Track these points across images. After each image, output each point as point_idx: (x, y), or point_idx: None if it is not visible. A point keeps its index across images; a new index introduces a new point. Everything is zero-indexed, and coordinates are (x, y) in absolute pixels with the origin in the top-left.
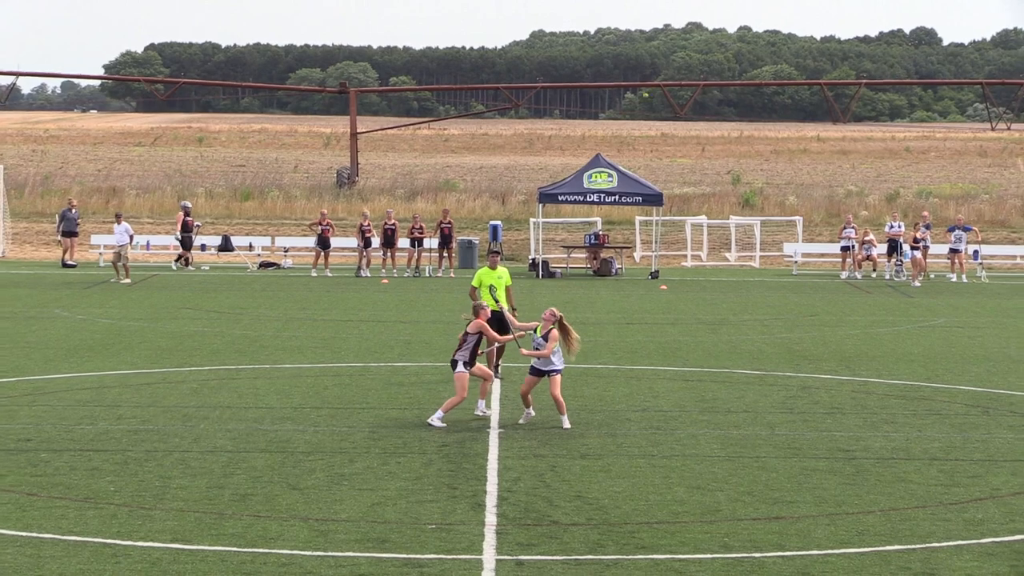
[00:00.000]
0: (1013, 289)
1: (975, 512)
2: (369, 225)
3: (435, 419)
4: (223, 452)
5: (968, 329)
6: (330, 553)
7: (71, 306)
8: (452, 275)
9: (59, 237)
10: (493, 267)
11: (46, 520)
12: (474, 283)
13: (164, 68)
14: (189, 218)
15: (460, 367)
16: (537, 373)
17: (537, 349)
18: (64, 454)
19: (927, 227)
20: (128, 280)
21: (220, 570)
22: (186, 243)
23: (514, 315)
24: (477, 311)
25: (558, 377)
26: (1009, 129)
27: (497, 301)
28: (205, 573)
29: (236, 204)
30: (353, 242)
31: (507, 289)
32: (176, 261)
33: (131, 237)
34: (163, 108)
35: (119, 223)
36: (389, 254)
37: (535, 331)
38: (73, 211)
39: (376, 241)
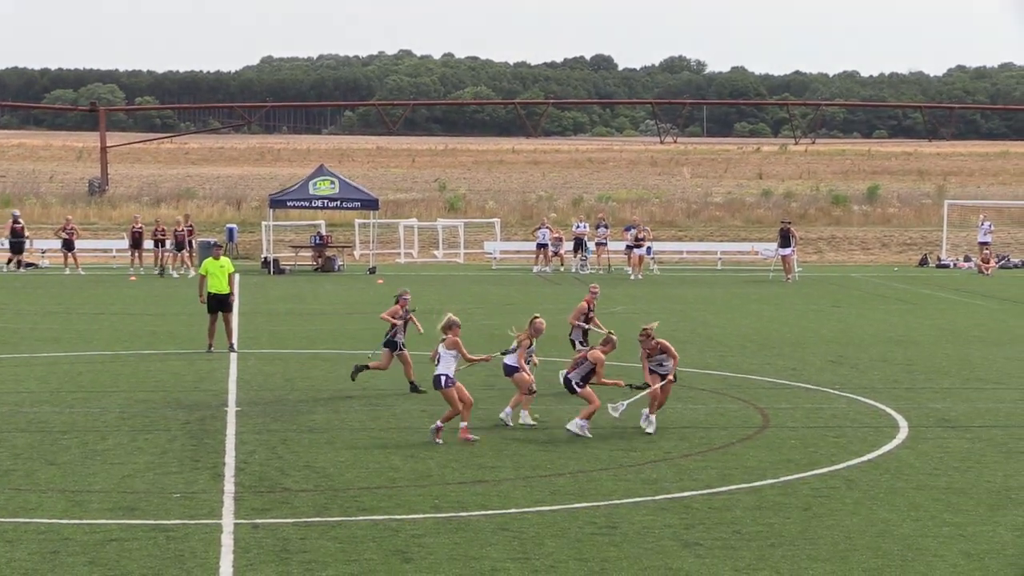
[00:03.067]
0: (680, 279)
1: (651, 472)
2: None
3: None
4: None
5: (643, 315)
6: (85, 521)
7: None
8: (193, 272)
9: None
10: (216, 258)
11: None
12: (201, 271)
13: None
14: (18, 224)
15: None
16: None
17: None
18: None
19: (605, 226)
20: None
21: None
22: (16, 247)
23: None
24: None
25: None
26: (675, 142)
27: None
28: None
29: None
30: (102, 243)
31: (229, 276)
32: (8, 264)
33: None
34: None
35: None
36: (137, 254)
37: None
38: None
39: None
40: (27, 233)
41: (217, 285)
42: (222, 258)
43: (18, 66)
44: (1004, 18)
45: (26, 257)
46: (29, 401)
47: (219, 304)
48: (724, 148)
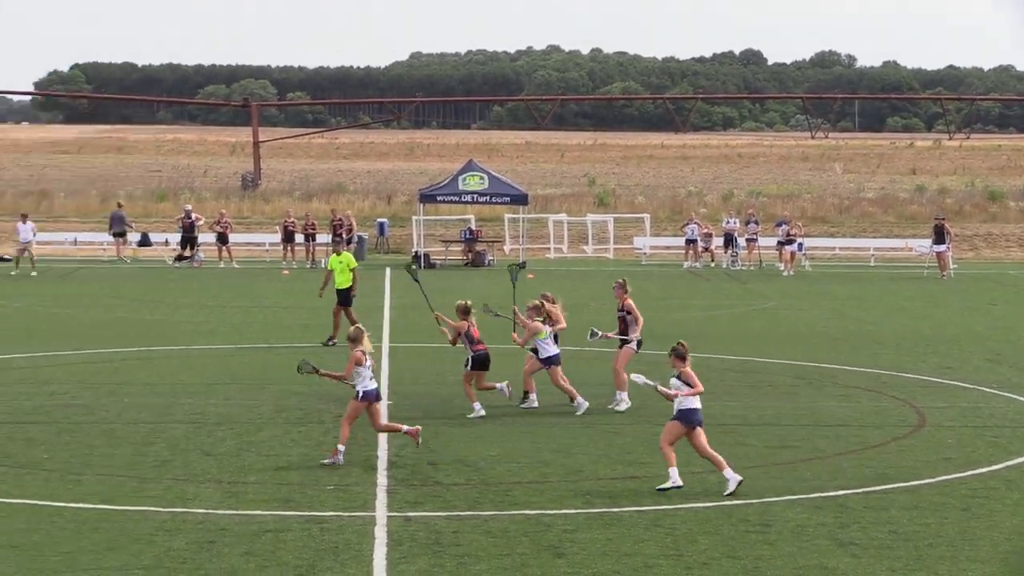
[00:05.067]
0: (832, 276)
1: (804, 470)
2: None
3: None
4: (144, 423)
5: (794, 311)
6: (240, 511)
7: (7, 296)
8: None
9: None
10: (338, 253)
11: None
12: (329, 266)
13: (87, 85)
14: (188, 219)
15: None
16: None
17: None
18: (2, 426)
19: (756, 222)
20: (35, 272)
21: (143, 528)
22: (186, 242)
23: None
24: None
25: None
26: (827, 137)
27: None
28: (130, 531)
29: (153, 205)
30: (255, 237)
31: (352, 272)
32: (176, 260)
33: (34, 234)
34: (87, 120)
35: (24, 222)
36: (289, 248)
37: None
38: (122, 211)
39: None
40: (198, 229)
41: (338, 280)
42: (343, 253)
43: (173, 62)
44: None
45: (185, 251)
46: (185, 393)
47: (342, 298)
48: (876, 143)
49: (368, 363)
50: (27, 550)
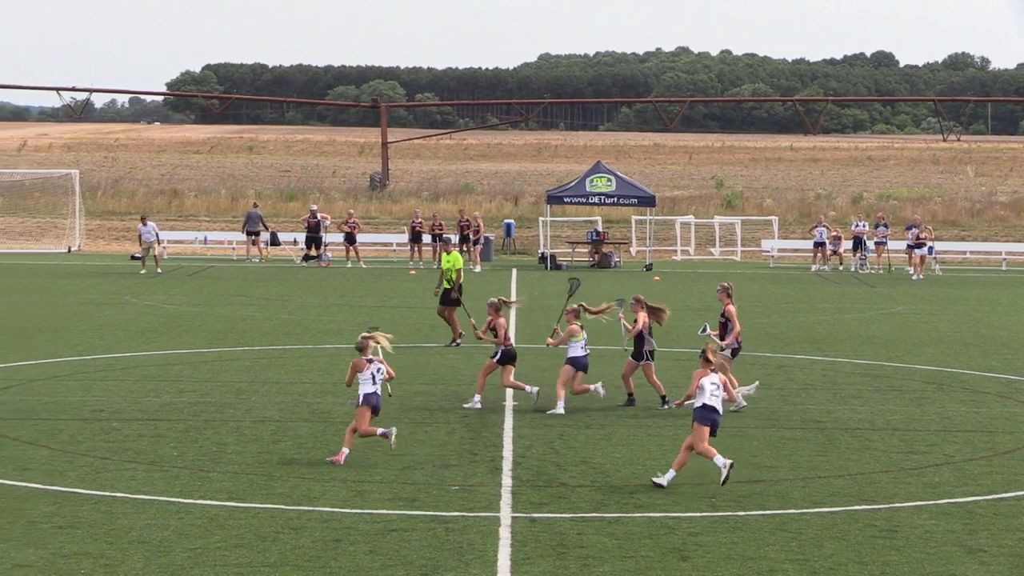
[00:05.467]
0: (963, 280)
1: (932, 476)
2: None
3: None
4: (272, 422)
5: (924, 315)
6: (366, 511)
7: (138, 294)
8: (476, 269)
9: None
10: (448, 253)
11: (118, 481)
12: (443, 265)
13: (219, 85)
14: (314, 219)
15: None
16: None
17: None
18: (133, 423)
19: (885, 226)
20: (160, 271)
21: (270, 525)
22: (311, 242)
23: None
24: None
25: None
26: (959, 140)
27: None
28: (257, 528)
29: (282, 204)
30: (382, 237)
31: (458, 271)
32: (304, 260)
33: (156, 235)
34: (218, 120)
35: (144, 224)
36: (416, 248)
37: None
38: (256, 210)
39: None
40: (324, 228)
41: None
42: (453, 253)
43: (303, 63)
44: None
45: (311, 251)
46: (312, 392)
47: (445, 298)
48: (1009, 146)
49: (371, 368)
50: (155, 546)
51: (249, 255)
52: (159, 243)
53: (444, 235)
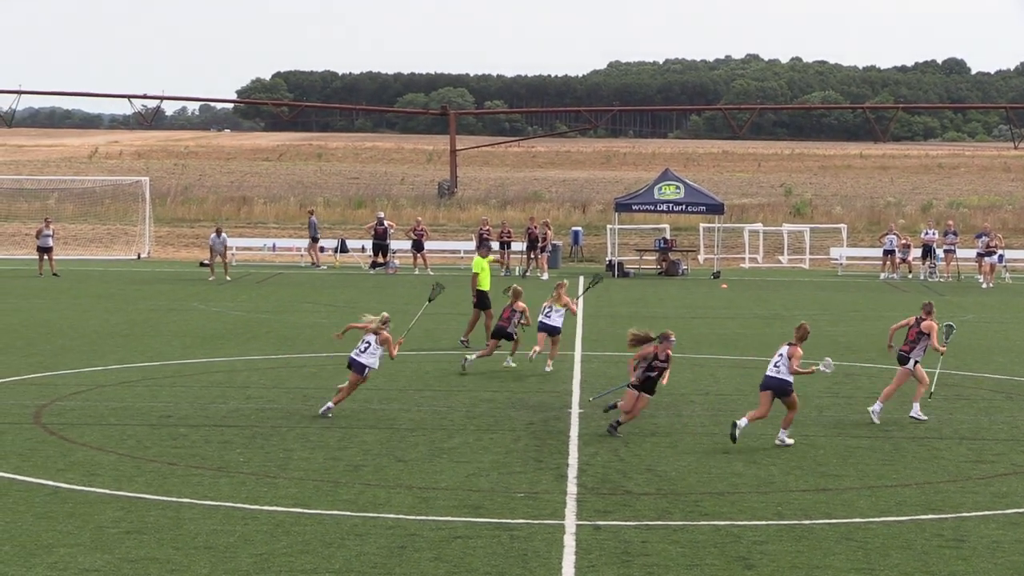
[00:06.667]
0: None
1: (1000, 486)
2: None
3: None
4: (338, 428)
5: (993, 324)
6: (431, 517)
7: (207, 300)
8: (543, 276)
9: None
10: (483, 256)
11: (184, 486)
12: (475, 269)
13: (288, 93)
14: (381, 226)
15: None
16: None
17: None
18: (200, 429)
19: (955, 233)
20: (228, 278)
21: (335, 532)
22: (378, 249)
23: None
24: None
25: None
26: None
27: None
28: (322, 534)
29: (351, 212)
30: (450, 244)
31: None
32: (372, 267)
33: (225, 246)
34: (288, 128)
35: (218, 236)
36: (504, 256)
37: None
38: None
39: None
40: (390, 235)
41: (481, 282)
42: (477, 258)
43: (372, 71)
44: None
45: (378, 258)
46: (378, 398)
47: (483, 301)
48: None
49: (368, 338)
50: (221, 551)
51: (312, 262)
52: (227, 249)
53: (512, 242)
